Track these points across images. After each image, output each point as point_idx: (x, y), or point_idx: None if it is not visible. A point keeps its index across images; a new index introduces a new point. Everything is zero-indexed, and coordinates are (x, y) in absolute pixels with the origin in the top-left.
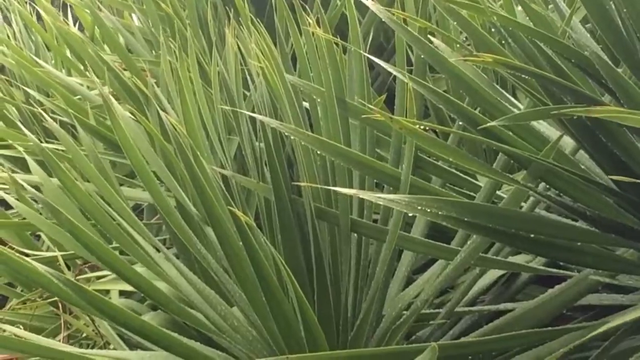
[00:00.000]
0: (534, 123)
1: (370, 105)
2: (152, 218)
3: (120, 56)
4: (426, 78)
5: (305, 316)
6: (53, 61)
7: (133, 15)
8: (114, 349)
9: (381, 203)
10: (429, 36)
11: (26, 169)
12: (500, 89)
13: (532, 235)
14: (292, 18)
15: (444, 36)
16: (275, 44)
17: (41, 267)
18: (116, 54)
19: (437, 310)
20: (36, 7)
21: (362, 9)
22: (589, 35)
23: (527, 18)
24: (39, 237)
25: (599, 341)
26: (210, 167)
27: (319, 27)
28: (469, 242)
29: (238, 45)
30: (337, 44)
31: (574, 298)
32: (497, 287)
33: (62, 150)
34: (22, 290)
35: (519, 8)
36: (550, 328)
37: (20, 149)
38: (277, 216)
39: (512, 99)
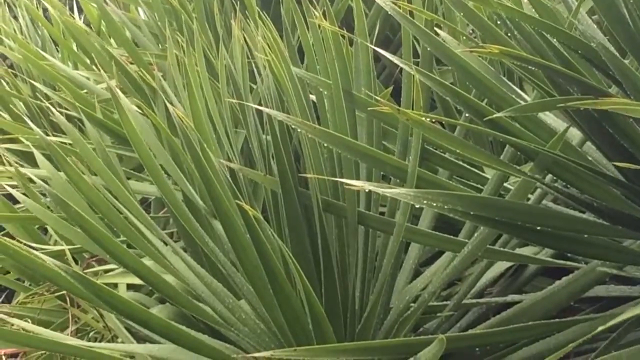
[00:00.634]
0: (541, 115)
1: (377, 97)
2: (159, 211)
3: (127, 50)
4: (432, 70)
5: (312, 309)
6: (60, 55)
7: (139, 8)
8: (122, 342)
9: (388, 195)
10: (435, 29)
11: (33, 163)
12: (507, 81)
13: (538, 228)
14: (298, 11)
15: (450, 28)
16: (281, 37)
17: (49, 261)
18: (123, 48)
19: (444, 303)
20: (43, 1)
21: (369, 2)
22: (595, 26)
23: (533, 10)
24: (46, 231)
25: (607, 333)
26: (218, 160)
27: (326, 20)
28: (476, 234)
29: (245, 38)
30: (343, 37)
31: (581, 290)
32: (504, 279)
33: (69, 144)
34: (30, 284)
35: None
36: (557, 320)
37: (28, 143)
38: (284, 209)
39: (519, 91)
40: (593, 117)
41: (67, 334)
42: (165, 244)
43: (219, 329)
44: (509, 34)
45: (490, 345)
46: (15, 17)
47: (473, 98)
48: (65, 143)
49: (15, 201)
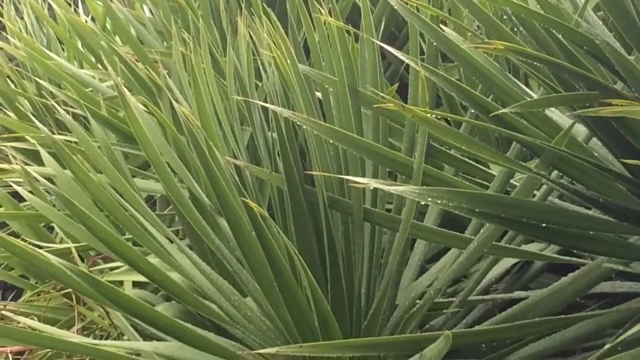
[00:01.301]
0: (547, 111)
1: (382, 95)
2: (165, 209)
3: (132, 47)
4: (438, 66)
5: (318, 306)
6: (65, 53)
7: (144, 6)
8: (128, 339)
9: (393, 192)
10: (441, 25)
11: (38, 162)
12: (513, 78)
13: (544, 225)
14: (303, 7)
15: (456, 24)
16: (287, 34)
17: (54, 259)
18: (128, 46)
19: (450, 299)
20: None
21: None
22: (601, 22)
23: (539, 6)
24: (52, 229)
25: (613, 329)
26: (224, 157)
27: (331, 16)
28: (482, 231)
29: (250, 35)
30: (349, 33)
31: (587, 286)
32: (510, 276)
33: (75, 142)
34: (36, 282)
35: None
36: (563, 316)
37: (33, 141)
38: (290, 206)
39: (524, 87)
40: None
41: (73, 332)
42: (171, 241)
43: (224, 327)
44: (515, 30)
45: (496, 341)
46: (22, 18)
47: (478, 94)
48: (70, 141)
49: (22, 199)
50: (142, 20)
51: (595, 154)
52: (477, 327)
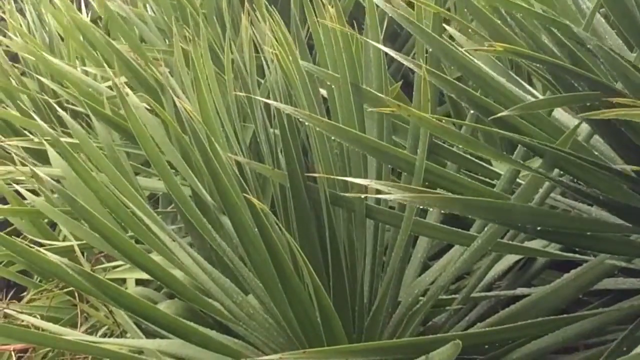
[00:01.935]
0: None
1: (385, 93)
2: (167, 207)
3: (131, 45)
4: (440, 66)
5: (321, 303)
6: (67, 51)
7: (146, 4)
8: (131, 337)
9: (391, 199)
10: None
11: (41, 160)
12: (515, 76)
13: (539, 228)
14: (309, 4)
15: (459, 23)
16: (289, 31)
17: (56, 258)
18: (128, 44)
19: (453, 296)
20: None
21: None
22: (603, 19)
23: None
24: (55, 226)
25: (616, 325)
26: (226, 154)
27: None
28: (486, 229)
29: (253, 32)
30: (352, 27)
31: (590, 283)
32: (513, 273)
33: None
34: (39, 280)
35: None
36: (565, 315)
37: (40, 139)
38: (292, 203)
39: (527, 86)
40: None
41: (76, 330)
42: (173, 239)
43: (227, 324)
44: (516, 31)
45: (499, 341)
46: (23, 14)
47: (480, 95)
48: (73, 140)
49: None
50: (144, 19)
51: (596, 153)
52: (482, 329)
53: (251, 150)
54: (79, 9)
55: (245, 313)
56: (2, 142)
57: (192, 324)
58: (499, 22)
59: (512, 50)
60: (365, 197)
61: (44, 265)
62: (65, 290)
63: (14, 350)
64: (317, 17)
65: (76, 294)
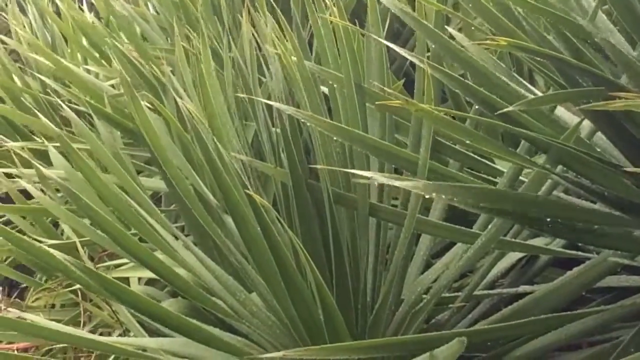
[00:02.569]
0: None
1: (388, 90)
2: (170, 205)
3: (133, 44)
4: (443, 62)
5: (324, 301)
6: (69, 50)
7: (148, 3)
8: (134, 335)
9: (397, 185)
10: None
11: (44, 159)
12: (516, 75)
13: (549, 220)
14: (310, 2)
15: (462, 21)
16: (291, 29)
17: (60, 255)
18: (130, 43)
19: (456, 294)
20: None
21: None
22: (605, 17)
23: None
24: (58, 225)
25: (620, 322)
26: (228, 153)
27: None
28: (489, 227)
29: (253, 31)
30: (354, 28)
31: (593, 280)
32: (516, 270)
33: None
34: (41, 279)
35: None
36: (569, 312)
37: (42, 140)
38: (294, 201)
39: (528, 85)
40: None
41: (79, 329)
42: (176, 238)
43: (230, 322)
44: (518, 25)
45: (503, 338)
46: (25, 13)
47: (483, 90)
48: (77, 139)
49: (28, 196)
50: (145, 17)
51: (599, 149)
52: (485, 327)
53: (253, 148)
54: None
55: (248, 311)
56: (5, 144)
57: (195, 321)
58: (502, 17)
59: (516, 44)
60: (368, 195)
61: (48, 262)
62: (68, 289)
63: (17, 349)
64: (317, 14)
65: (79, 293)
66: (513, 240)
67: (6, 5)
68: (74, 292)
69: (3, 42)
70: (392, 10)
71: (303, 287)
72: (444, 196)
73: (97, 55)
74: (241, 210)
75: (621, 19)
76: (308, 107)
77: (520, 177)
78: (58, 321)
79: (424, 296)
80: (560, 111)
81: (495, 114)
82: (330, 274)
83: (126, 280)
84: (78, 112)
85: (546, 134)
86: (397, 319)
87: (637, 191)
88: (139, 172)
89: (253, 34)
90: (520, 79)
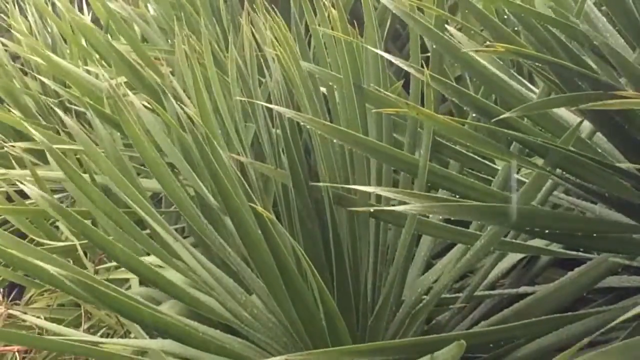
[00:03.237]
0: None
1: (386, 93)
2: (170, 207)
3: (132, 46)
4: (442, 64)
5: (324, 302)
6: (69, 52)
7: (148, 4)
8: (135, 337)
9: (394, 209)
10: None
11: (41, 159)
12: (516, 75)
13: (547, 231)
14: (307, 3)
15: (459, 23)
16: (289, 29)
17: (52, 269)
18: (129, 44)
19: (456, 295)
20: None
21: None
22: (604, 18)
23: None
24: (57, 226)
25: (621, 323)
26: (228, 154)
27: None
28: (489, 228)
29: (254, 30)
30: (353, 27)
31: (593, 280)
32: (516, 271)
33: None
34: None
35: None
36: (570, 313)
37: (40, 137)
38: (295, 203)
39: (529, 84)
40: (603, 110)
41: (80, 330)
42: (176, 239)
43: (230, 325)
44: (517, 29)
45: (503, 340)
46: (25, 15)
47: (480, 98)
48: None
49: (25, 196)
50: (145, 18)
51: (599, 150)
52: (486, 328)
53: (253, 149)
54: (80, 9)
55: (248, 313)
56: (4, 145)
57: (195, 324)
58: (500, 23)
59: (514, 50)
60: (369, 196)
61: (41, 276)
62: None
63: (18, 351)
64: (316, 16)
65: None
66: (514, 241)
67: (6, 6)
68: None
69: (3, 44)
70: (393, 11)
71: (303, 289)
72: (443, 213)
73: (97, 56)
74: (241, 213)
75: (617, 23)
76: (308, 107)
77: (520, 178)
78: (59, 321)
79: (425, 297)
80: (561, 110)
81: (493, 120)
82: (331, 275)
83: (127, 281)
84: (78, 113)
85: (546, 135)
86: (397, 320)
87: (637, 193)
88: (139, 174)
89: (253, 34)
90: (521, 78)
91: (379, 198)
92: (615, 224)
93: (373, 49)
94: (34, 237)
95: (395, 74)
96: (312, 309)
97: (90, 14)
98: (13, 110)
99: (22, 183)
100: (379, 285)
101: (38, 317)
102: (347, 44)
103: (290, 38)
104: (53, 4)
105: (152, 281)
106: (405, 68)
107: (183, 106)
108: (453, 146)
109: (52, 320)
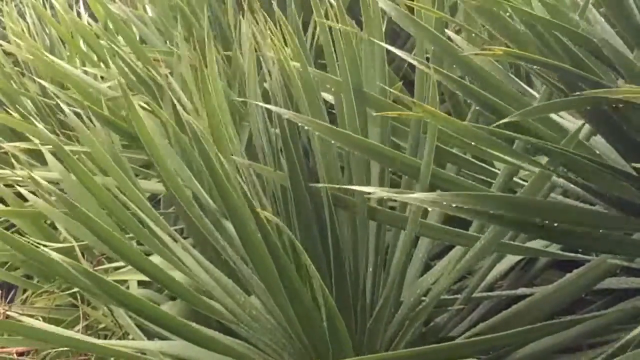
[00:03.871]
0: None
1: (389, 97)
2: (169, 208)
3: (131, 47)
4: (442, 65)
5: (324, 303)
6: (68, 53)
7: (146, 6)
8: (133, 339)
9: (397, 199)
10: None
11: (42, 161)
12: (514, 77)
13: (547, 222)
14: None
15: (461, 26)
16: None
17: (59, 257)
18: (129, 46)
19: (455, 296)
20: None
21: None
22: (603, 19)
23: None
24: (56, 227)
25: (620, 325)
26: (228, 156)
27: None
28: (488, 230)
29: (254, 30)
30: (353, 30)
31: (592, 282)
32: (515, 272)
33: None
34: (38, 281)
35: None
36: (569, 317)
37: (37, 141)
38: (294, 204)
39: (527, 88)
40: (602, 111)
41: (78, 331)
42: (175, 240)
43: (229, 325)
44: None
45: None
46: (23, 17)
47: (485, 93)
48: (74, 142)
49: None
50: (143, 20)
51: (597, 152)
52: (486, 337)
53: (251, 150)
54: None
55: (247, 314)
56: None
57: (194, 324)
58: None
59: (513, 53)
60: (368, 198)
61: (47, 265)
62: (66, 292)
63: (16, 353)
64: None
65: (78, 296)
66: (512, 242)
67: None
68: (73, 295)
69: (1, 46)
70: (391, 15)
71: (303, 290)
72: (451, 205)
73: (95, 58)
74: (240, 215)
75: (616, 23)
76: (308, 108)
77: (518, 180)
78: (57, 323)
79: (423, 298)
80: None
81: (493, 125)
82: (330, 276)
83: (125, 283)
84: (76, 115)
85: (545, 135)
86: (396, 322)
87: (636, 193)
88: (136, 175)
89: (253, 34)
90: (519, 81)
91: (379, 201)
92: (615, 220)
93: (379, 42)
94: (32, 239)
95: (394, 74)
96: (311, 310)
97: (87, 15)
98: (11, 112)
99: (19, 185)
100: (378, 286)
101: (37, 319)
102: (347, 43)
103: (292, 41)
104: (52, 6)
105: (159, 280)
106: (412, 61)
107: (184, 108)
108: (450, 149)
109: (50, 322)
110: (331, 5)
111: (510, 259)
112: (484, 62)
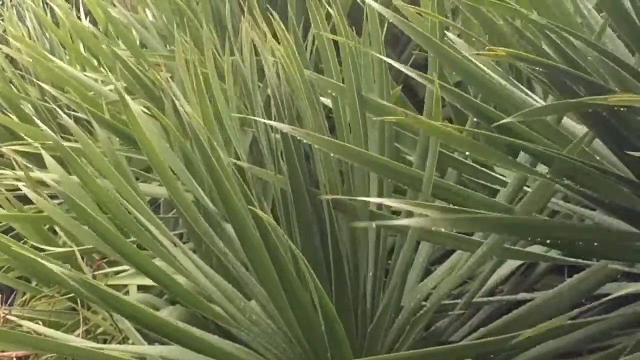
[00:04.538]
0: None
1: (390, 102)
2: (169, 212)
3: (131, 51)
4: (442, 72)
5: (324, 308)
6: (68, 57)
7: (146, 9)
8: (133, 343)
9: (397, 225)
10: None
11: (41, 164)
12: (515, 81)
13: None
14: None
15: (460, 31)
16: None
17: (56, 268)
18: (129, 50)
19: (455, 301)
20: (49, 3)
21: None
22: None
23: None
24: (55, 232)
25: (619, 330)
26: (229, 159)
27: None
28: (490, 236)
29: (255, 34)
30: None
31: (592, 287)
32: (515, 277)
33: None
34: (36, 285)
35: None
36: (569, 322)
37: (37, 144)
38: (294, 208)
39: (527, 91)
40: (602, 115)
41: (78, 336)
42: (175, 244)
43: (229, 330)
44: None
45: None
46: (23, 21)
47: (482, 103)
48: (74, 146)
49: (25, 201)
50: (144, 24)
51: (597, 157)
52: (487, 339)
53: (252, 154)
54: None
55: (247, 318)
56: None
57: (194, 330)
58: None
59: (516, 55)
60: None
61: (45, 273)
62: (66, 296)
63: (15, 357)
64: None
65: (78, 300)
66: (512, 247)
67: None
68: (73, 299)
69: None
70: (390, 20)
71: (303, 295)
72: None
73: (95, 62)
74: (241, 218)
75: (617, 28)
76: (309, 113)
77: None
78: (57, 327)
79: (424, 303)
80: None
81: (493, 125)
82: (330, 281)
83: (125, 287)
84: (76, 119)
85: (547, 143)
86: (396, 327)
87: (636, 199)
88: (137, 178)
89: (252, 39)
90: (520, 85)
91: (379, 205)
92: (614, 232)
93: (376, 53)
94: (32, 243)
95: (394, 79)
96: (311, 315)
97: (88, 19)
98: (11, 116)
99: (18, 187)
100: (378, 291)
101: (37, 323)
102: (347, 49)
103: (293, 47)
104: (52, 10)
105: (161, 283)
106: (408, 72)
107: (185, 112)
108: (451, 154)
109: (50, 325)
110: (330, 7)
111: (511, 264)
112: (484, 65)
